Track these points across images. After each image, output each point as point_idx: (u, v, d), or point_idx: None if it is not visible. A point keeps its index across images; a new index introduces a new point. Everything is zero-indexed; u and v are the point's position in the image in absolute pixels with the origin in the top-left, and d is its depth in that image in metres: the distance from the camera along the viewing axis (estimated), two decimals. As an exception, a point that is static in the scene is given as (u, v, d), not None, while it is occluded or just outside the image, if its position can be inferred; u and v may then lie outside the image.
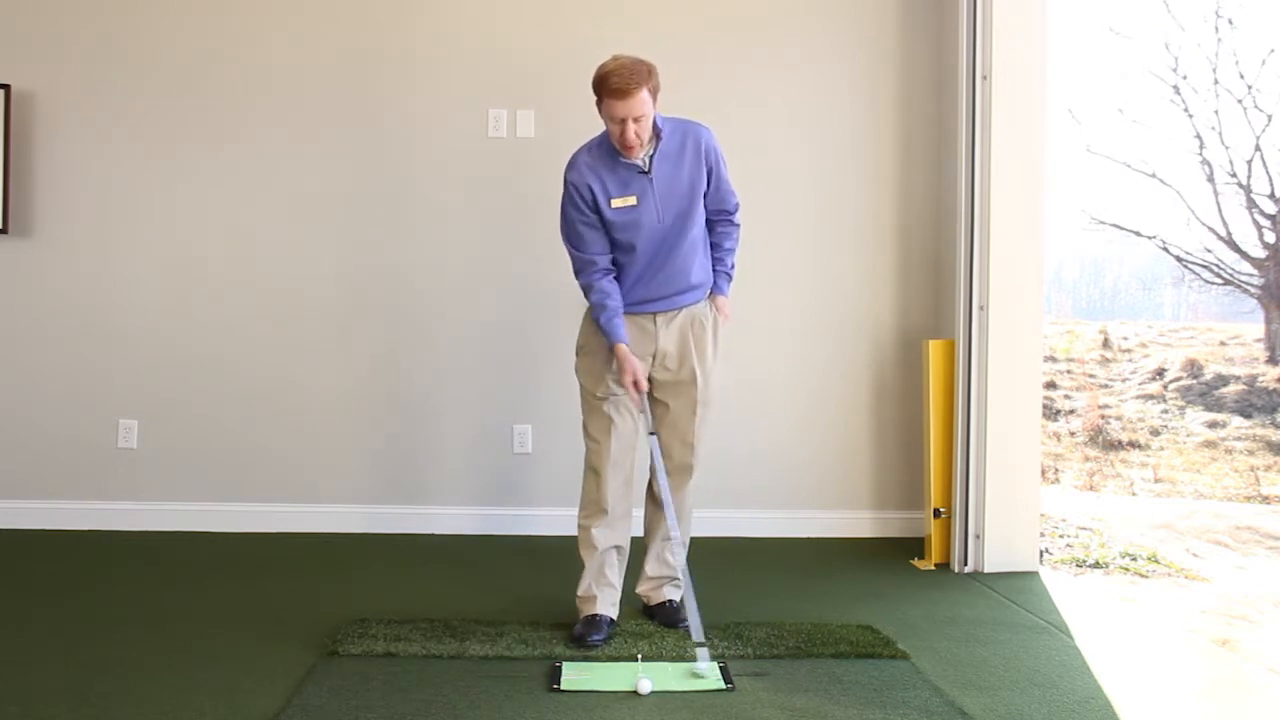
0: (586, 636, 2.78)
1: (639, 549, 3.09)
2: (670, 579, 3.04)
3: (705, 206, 2.94)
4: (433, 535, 4.09)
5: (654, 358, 2.91)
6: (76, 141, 4.11)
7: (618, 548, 2.97)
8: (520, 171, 4.09)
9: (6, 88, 4.04)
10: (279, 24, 4.13)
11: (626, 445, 2.92)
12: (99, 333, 4.12)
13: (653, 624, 2.96)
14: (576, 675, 2.54)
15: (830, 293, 4.19)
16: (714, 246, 3.01)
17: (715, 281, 3.01)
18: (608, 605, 2.90)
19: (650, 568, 3.05)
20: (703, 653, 2.61)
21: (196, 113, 4.12)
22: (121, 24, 4.11)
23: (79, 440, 4.12)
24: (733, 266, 3.05)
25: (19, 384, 4.12)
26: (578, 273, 2.89)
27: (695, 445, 2.97)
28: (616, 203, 2.80)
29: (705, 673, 2.55)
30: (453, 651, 2.69)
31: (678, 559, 3.02)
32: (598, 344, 2.90)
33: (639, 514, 3.10)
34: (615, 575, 2.95)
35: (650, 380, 2.93)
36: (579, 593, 2.93)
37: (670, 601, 3.00)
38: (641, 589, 3.05)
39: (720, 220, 3.00)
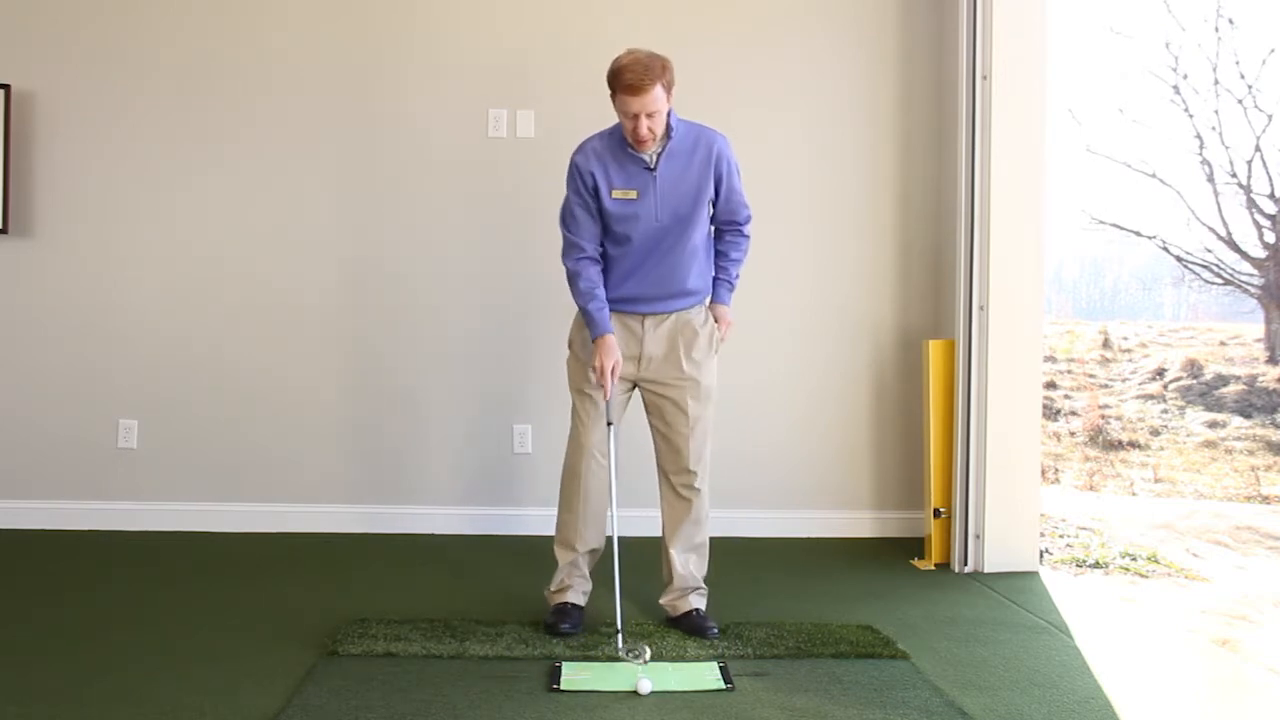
0: (558, 625, 2.83)
1: (654, 557, 3.08)
2: (695, 588, 3.00)
3: (715, 216, 2.95)
4: (432, 535, 4.10)
5: (639, 361, 2.91)
6: (76, 141, 4.11)
7: (592, 550, 2.99)
8: (520, 171, 4.09)
9: (6, 88, 4.04)
10: (279, 24, 4.13)
11: (606, 434, 2.91)
12: (99, 333, 4.12)
13: (659, 627, 2.94)
14: (576, 675, 2.54)
15: (830, 293, 4.19)
16: (720, 255, 3.00)
17: (716, 291, 3.00)
18: (578, 595, 2.96)
19: (677, 578, 2.99)
20: (620, 641, 2.68)
21: (196, 113, 4.12)
22: (121, 24, 4.11)
23: (79, 440, 4.12)
24: (736, 277, 3.03)
25: (19, 384, 4.12)
26: (565, 255, 2.93)
27: (693, 451, 2.93)
28: (617, 194, 2.83)
29: (633, 655, 2.62)
30: (453, 651, 2.69)
31: (698, 568, 3.02)
32: (586, 339, 2.93)
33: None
34: (586, 569, 3.01)
35: (640, 385, 2.95)
36: (551, 588, 2.97)
37: (696, 610, 2.96)
38: (665, 599, 3.01)
39: (730, 230, 3.00)
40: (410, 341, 4.15)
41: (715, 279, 3.00)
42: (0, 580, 3.38)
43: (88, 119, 4.11)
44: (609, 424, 2.88)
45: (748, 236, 3.04)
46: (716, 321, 2.98)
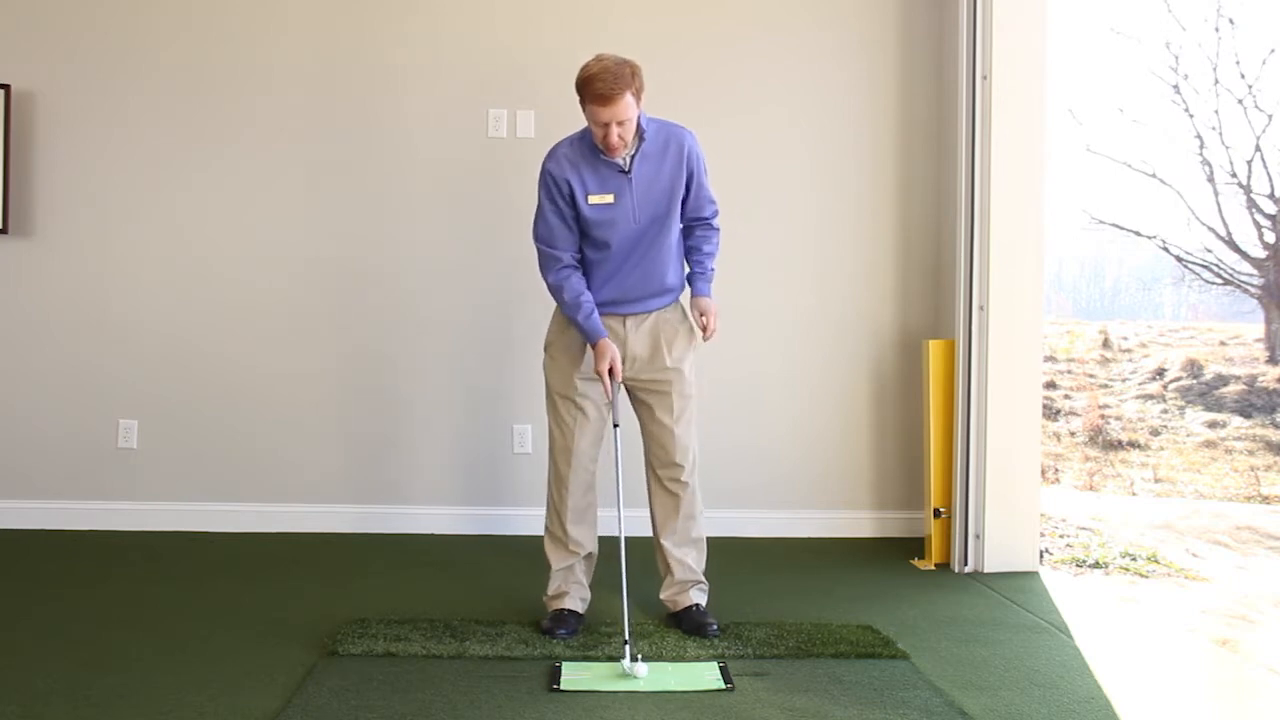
0: (555, 631, 2.82)
1: (649, 555, 3.08)
2: (695, 582, 3.00)
3: (683, 214, 2.94)
4: (432, 535, 4.10)
5: (624, 362, 2.91)
6: (76, 141, 4.11)
7: (587, 555, 2.99)
8: (521, 171, 4.08)
9: (6, 88, 4.04)
10: (279, 24, 4.13)
11: (593, 438, 2.92)
12: (99, 333, 4.12)
13: (659, 626, 2.95)
14: (576, 675, 2.54)
15: (830, 293, 4.19)
16: (694, 250, 2.99)
17: (696, 285, 2.98)
18: (575, 602, 2.95)
19: (676, 572, 2.99)
20: (630, 652, 2.60)
21: (196, 113, 4.12)
22: (121, 24, 4.11)
23: (79, 440, 4.12)
24: (713, 270, 3.03)
25: (19, 384, 4.12)
26: (545, 269, 2.90)
27: (680, 444, 2.94)
28: (594, 199, 2.81)
29: (630, 670, 2.52)
30: (453, 651, 2.69)
31: (696, 562, 3.02)
32: (566, 343, 2.92)
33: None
34: (584, 576, 3.00)
35: (626, 384, 2.95)
36: (549, 593, 2.97)
37: (696, 606, 2.95)
38: (665, 594, 3.01)
39: (699, 225, 2.99)
40: (410, 340, 4.15)
41: (692, 274, 2.99)
42: (0, 580, 3.39)
43: (88, 119, 4.11)
44: (615, 425, 2.87)
45: (717, 229, 3.04)
46: (703, 314, 2.95)
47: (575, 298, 2.84)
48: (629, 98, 2.68)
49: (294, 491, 4.14)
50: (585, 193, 2.81)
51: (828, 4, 4.17)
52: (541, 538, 3.08)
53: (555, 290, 2.89)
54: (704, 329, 2.96)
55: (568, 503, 2.94)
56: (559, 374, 2.94)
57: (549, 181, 2.83)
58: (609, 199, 2.81)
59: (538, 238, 2.90)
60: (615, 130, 2.71)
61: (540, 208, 2.88)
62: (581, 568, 2.99)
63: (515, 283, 4.12)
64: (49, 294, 4.12)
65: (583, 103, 2.72)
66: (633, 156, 2.81)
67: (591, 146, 2.81)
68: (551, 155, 2.86)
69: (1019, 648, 2.84)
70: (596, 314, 2.85)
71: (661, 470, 2.97)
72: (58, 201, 4.12)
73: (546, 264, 2.89)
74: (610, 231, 2.83)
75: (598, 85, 2.66)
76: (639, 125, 2.79)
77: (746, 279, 4.03)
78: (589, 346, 2.87)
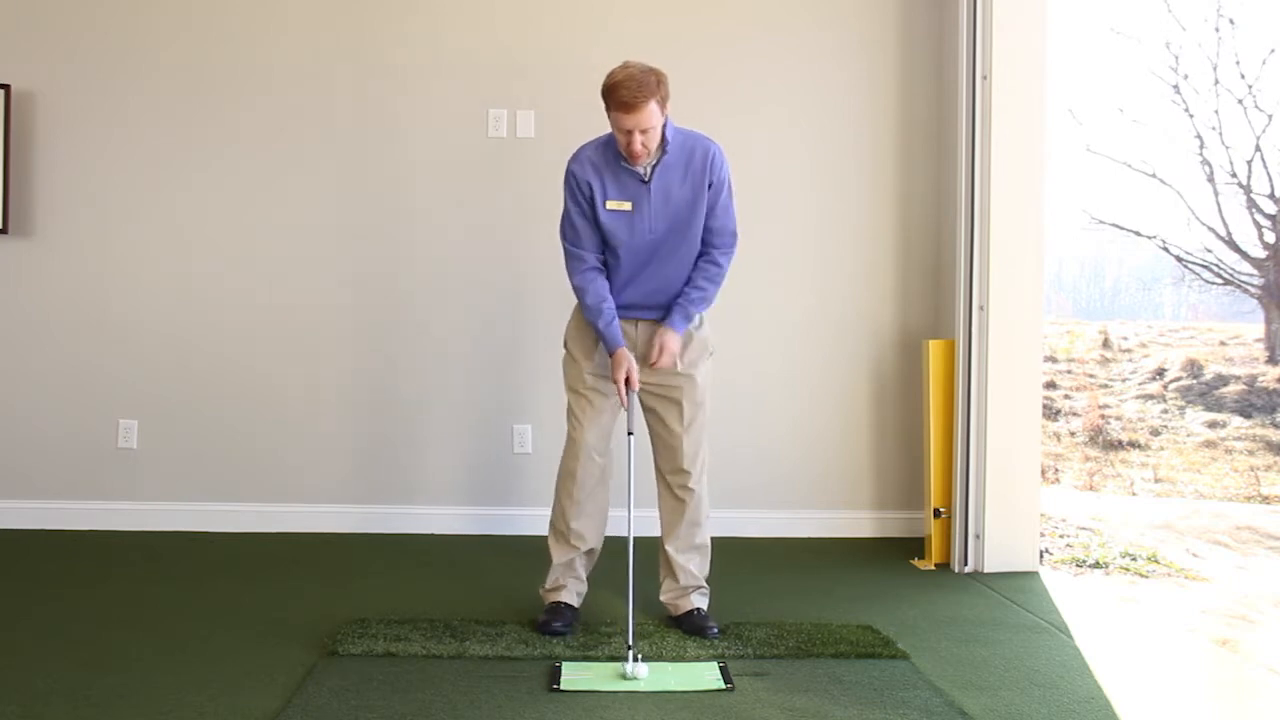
0: (550, 624, 2.83)
1: (653, 555, 3.08)
2: (696, 587, 3.00)
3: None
4: (432, 535, 4.10)
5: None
6: (76, 141, 4.11)
7: (588, 550, 2.99)
8: (521, 172, 4.09)
9: (6, 88, 4.04)
10: (279, 24, 4.13)
11: (601, 432, 2.92)
12: (99, 333, 4.12)
13: (659, 627, 2.95)
14: (576, 675, 2.54)
15: (830, 293, 4.19)
16: (687, 281, 2.88)
17: (670, 315, 2.85)
18: (572, 595, 2.95)
19: (678, 577, 2.99)
20: (633, 655, 2.56)
21: (197, 113, 4.12)
22: (121, 24, 4.11)
23: (79, 440, 4.12)
24: (696, 305, 2.87)
25: (19, 384, 4.12)
26: (570, 270, 2.90)
27: (687, 450, 2.93)
28: (611, 205, 2.82)
29: (632, 673, 2.51)
30: (453, 651, 2.69)
31: (699, 568, 3.01)
32: (581, 339, 2.93)
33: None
34: (582, 570, 3.00)
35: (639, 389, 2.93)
36: (546, 585, 2.98)
37: (697, 610, 2.95)
38: (666, 597, 3.01)
39: (703, 254, 2.90)
40: (410, 340, 4.15)
41: (673, 302, 2.88)
42: (0, 580, 3.39)
43: (88, 119, 4.11)
44: (629, 434, 2.86)
45: (721, 266, 2.90)
46: (661, 348, 2.83)
47: (597, 303, 2.84)
48: (653, 106, 2.69)
49: (294, 491, 4.14)
50: (604, 198, 2.82)
51: (828, 4, 4.17)
52: (544, 537, 3.08)
53: (579, 292, 2.89)
54: (651, 356, 2.85)
55: (573, 495, 2.94)
56: (573, 369, 2.95)
57: (572, 182, 2.85)
58: (626, 206, 2.82)
59: (564, 237, 2.92)
60: (638, 138, 2.72)
61: (566, 208, 2.89)
62: (581, 562, 2.99)
63: (515, 282, 4.12)
64: (49, 294, 4.12)
65: (608, 109, 2.73)
66: (654, 167, 2.81)
67: (615, 152, 2.82)
68: (576, 157, 2.88)
69: (1019, 648, 2.84)
70: (617, 322, 2.85)
71: (670, 476, 2.97)
72: (58, 201, 4.12)
73: (572, 264, 2.90)
74: (625, 238, 2.83)
75: (622, 93, 2.67)
76: (663, 135, 2.80)
77: (746, 279, 4.02)
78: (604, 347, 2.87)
